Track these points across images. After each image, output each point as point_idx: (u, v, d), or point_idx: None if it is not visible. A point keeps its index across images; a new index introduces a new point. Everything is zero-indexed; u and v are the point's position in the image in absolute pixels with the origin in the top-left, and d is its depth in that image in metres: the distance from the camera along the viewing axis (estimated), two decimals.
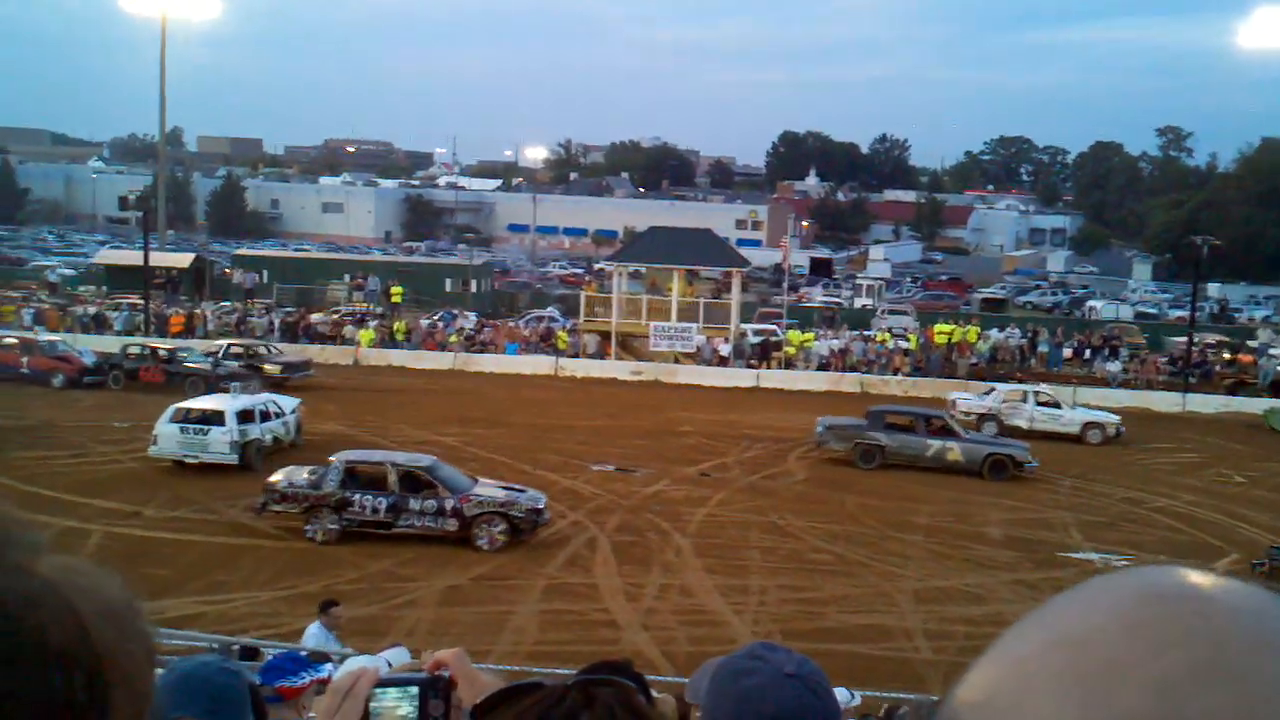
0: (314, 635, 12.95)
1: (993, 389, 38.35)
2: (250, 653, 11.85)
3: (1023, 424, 35.75)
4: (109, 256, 66.18)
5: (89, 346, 41.16)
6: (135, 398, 34.71)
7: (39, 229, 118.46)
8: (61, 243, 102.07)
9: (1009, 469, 29.98)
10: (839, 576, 21.47)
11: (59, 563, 0.77)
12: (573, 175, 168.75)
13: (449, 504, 22.25)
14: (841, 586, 20.90)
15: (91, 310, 51.82)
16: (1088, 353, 50.61)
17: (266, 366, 39.44)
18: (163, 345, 41.15)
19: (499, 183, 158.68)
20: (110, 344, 42.81)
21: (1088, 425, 35.98)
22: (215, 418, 27.60)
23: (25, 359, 38.30)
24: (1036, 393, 37.14)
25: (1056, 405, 36.51)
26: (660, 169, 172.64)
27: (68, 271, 68.96)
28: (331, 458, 23.50)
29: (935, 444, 30.43)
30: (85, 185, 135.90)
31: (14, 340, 39.92)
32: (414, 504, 22.31)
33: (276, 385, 36.31)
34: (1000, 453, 30.54)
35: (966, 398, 37.73)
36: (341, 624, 13.39)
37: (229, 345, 41.65)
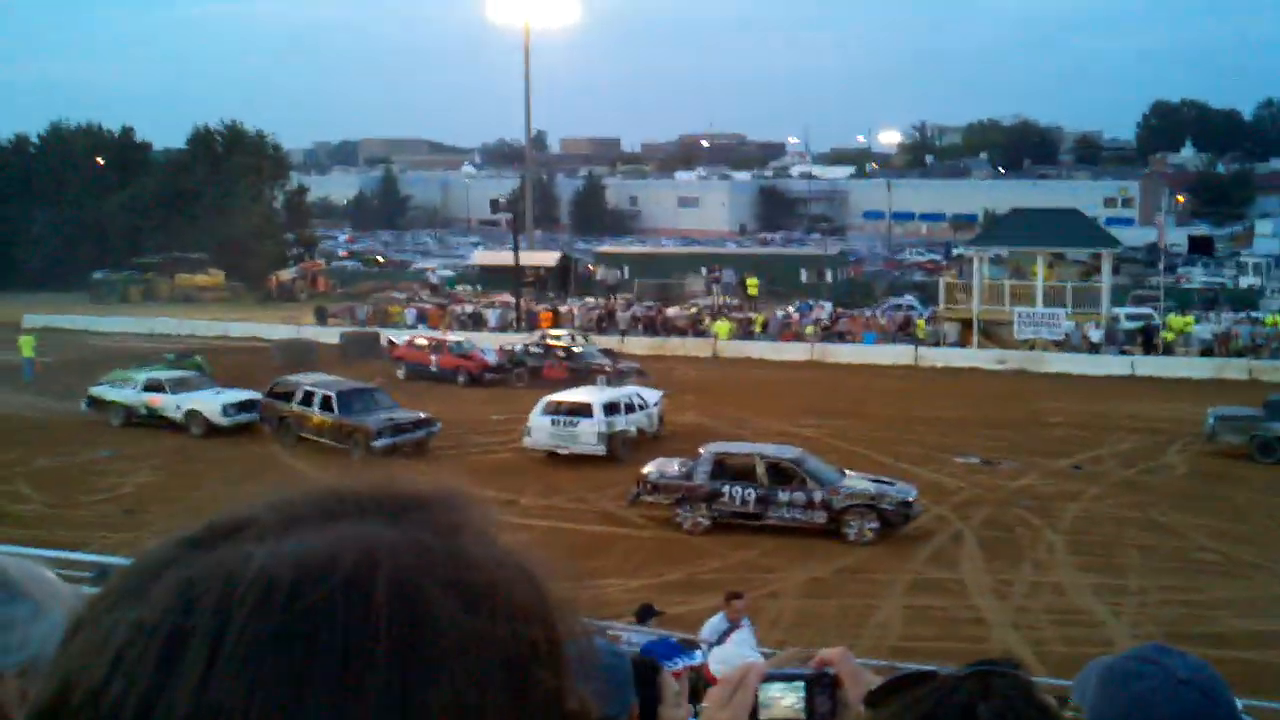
0: (715, 625, 13.14)
1: None
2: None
3: None
4: (483, 257, 70.29)
5: (491, 345, 42.99)
6: (513, 393, 36.33)
7: (419, 233, 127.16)
8: (440, 245, 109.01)
9: None
10: (1228, 578, 20.03)
11: (512, 540, 0.87)
12: (929, 159, 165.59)
13: (817, 496, 22.23)
14: (1232, 589, 19.49)
15: (469, 309, 55.02)
16: None
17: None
18: (562, 342, 42.52)
19: (852, 170, 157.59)
20: (511, 340, 44.99)
21: None
22: (584, 410, 28.69)
23: (434, 358, 40.42)
24: None
25: None
26: (1021, 148, 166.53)
27: (447, 273, 73.53)
28: (701, 450, 23.94)
29: None
30: (459, 190, 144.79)
31: (425, 341, 42.30)
32: (782, 496, 22.41)
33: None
34: None
35: None
36: (742, 614, 13.38)
37: (540, 336, 43.60)
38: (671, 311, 53.03)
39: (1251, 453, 28.17)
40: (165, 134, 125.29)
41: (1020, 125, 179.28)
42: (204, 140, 76.74)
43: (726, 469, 23.14)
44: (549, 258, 66.60)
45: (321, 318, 54.71)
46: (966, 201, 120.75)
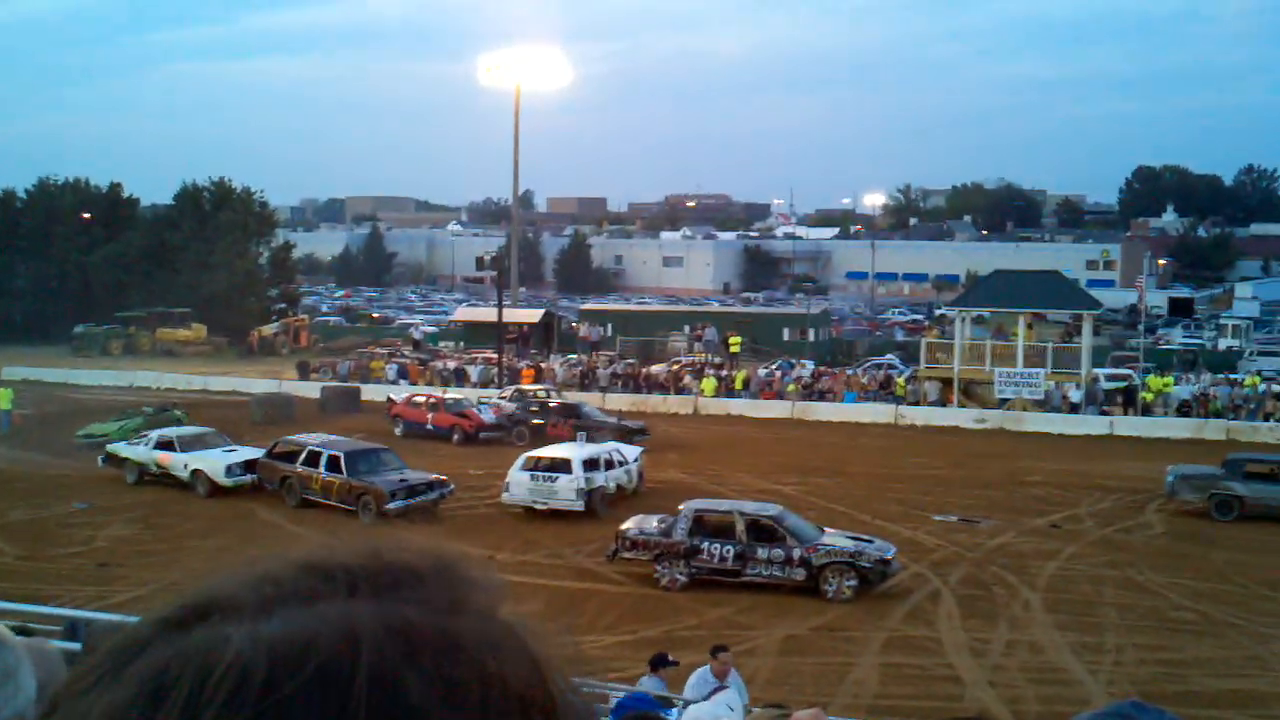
0: (700, 680, 13.02)
1: None
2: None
3: None
4: (466, 314, 70.27)
5: (489, 404, 42.13)
6: (508, 451, 36.04)
7: (404, 290, 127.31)
8: (424, 301, 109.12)
9: None
10: (1204, 637, 19.97)
11: (513, 610, 0.82)
12: (912, 220, 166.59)
13: (796, 553, 22.16)
14: (1207, 648, 19.42)
15: (451, 365, 55.00)
16: None
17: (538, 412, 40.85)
18: (562, 400, 42.54)
19: (836, 231, 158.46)
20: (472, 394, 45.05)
21: None
22: (563, 466, 28.63)
23: (431, 416, 39.96)
24: None
25: None
26: (1004, 210, 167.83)
27: (430, 329, 73.57)
28: (680, 506, 23.88)
29: None
30: (445, 247, 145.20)
31: (423, 399, 41.74)
32: (761, 553, 22.34)
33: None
34: None
35: None
36: (729, 667, 13.27)
37: (515, 391, 43.99)
38: (655, 368, 53.12)
39: (1210, 511, 28.35)
40: (153, 190, 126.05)
41: (1004, 188, 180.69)
42: (191, 196, 76.90)
43: (706, 526, 23.07)
44: (532, 314, 66.73)
45: (304, 372, 54.64)
46: (949, 263, 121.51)
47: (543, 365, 54.17)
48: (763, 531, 22.67)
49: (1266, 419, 42.38)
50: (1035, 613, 21.21)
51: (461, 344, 63.42)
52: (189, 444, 31.95)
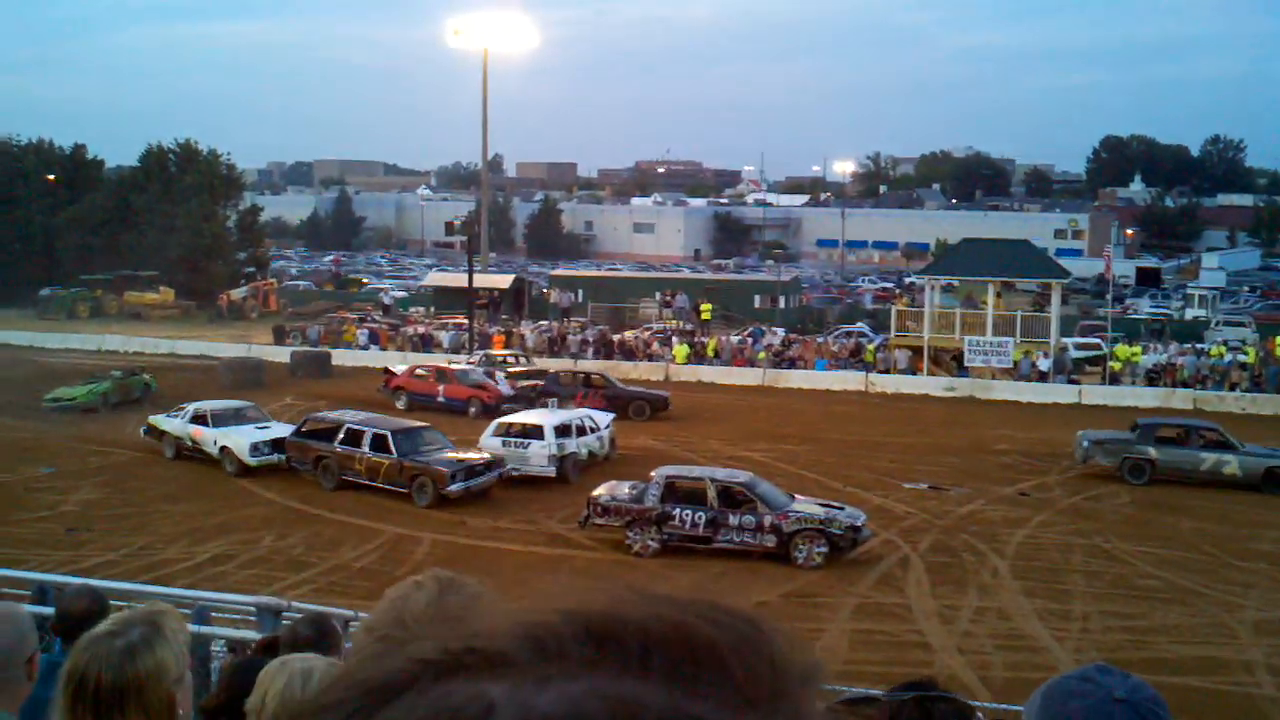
0: None
1: None
2: None
3: None
4: (436, 279, 69.91)
5: (504, 375, 39.95)
6: (470, 420, 35.98)
7: (373, 254, 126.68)
8: (393, 266, 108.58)
9: None
10: (1170, 605, 20.20)
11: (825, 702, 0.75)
12: (882, 188, 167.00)
13: (767, 520, 22.26)
14: (1173, 615, 19.65)
15: (420, 330, 54.80)
16: None
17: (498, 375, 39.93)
18: (593, 371, 41.43)
19: (807, 198, 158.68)
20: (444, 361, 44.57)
21: None
22: (535, 432, 28.63)
23: (441, 388, 37.74)
24: None
25: None
26: (973, 179, 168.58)
27: (400, 294, 73.19)
28: (652, 473, 23.92)
29: (1210, 457, 28.74)
30: (414, 212, 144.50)
31: (428, 370, 39.54)
32: (733, 519, 22.43)
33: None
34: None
35: None
36: None
37: (483, 356, 43.45)
38: (627, 335, 53.09)
39: (1123, 474, 29.01)
40: (118, 152, 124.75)
41: (973, 157, 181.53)
42: (157, 158, 76.06)
43: (677, 492, 23.13)
44: (503, 280, 66.48)
45: (279, 336, 54.30)
46: (919, 231, 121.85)
47: (513, 331, 54.05)
48: (734, 498, 22.75)
49: (1232, 388, 42.76)
50: (1004, 580, 21.39)
51: (431, 309, 63.16)
52: (222, 418, 30.14)
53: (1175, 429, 30.22)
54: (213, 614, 8.98)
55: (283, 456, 28.61)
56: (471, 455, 27.26)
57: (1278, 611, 19.90)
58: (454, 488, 25.70)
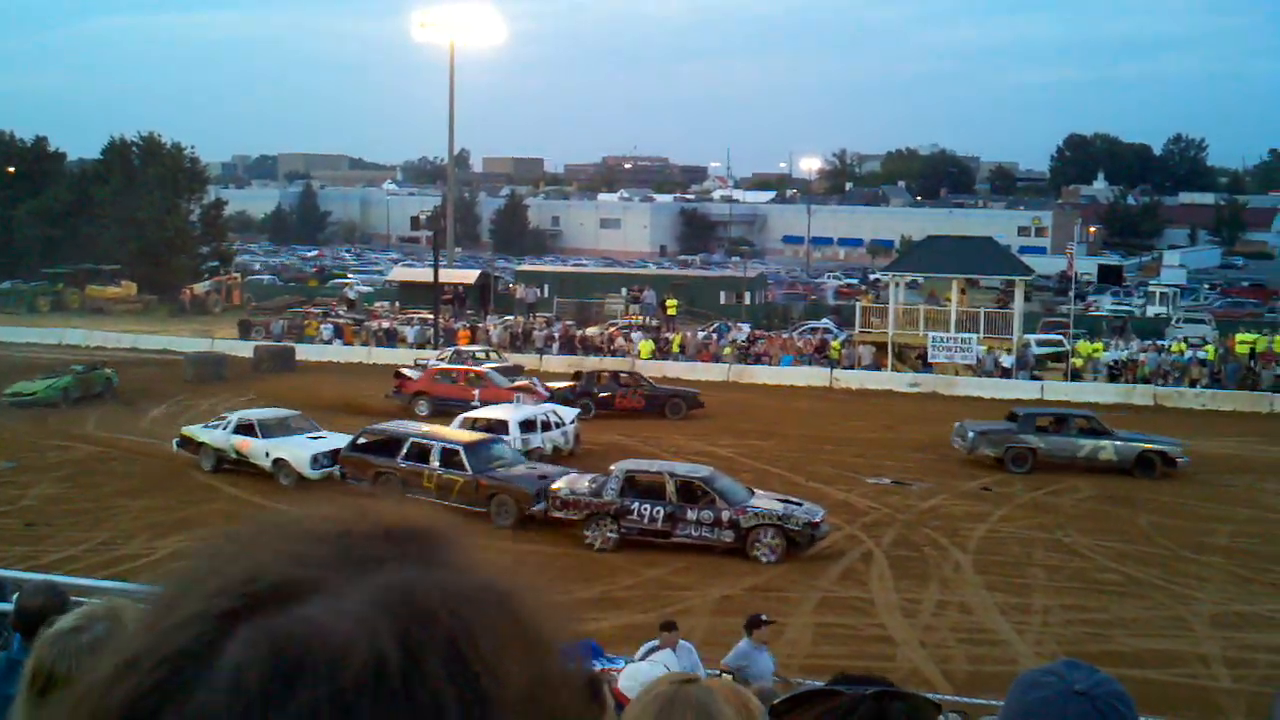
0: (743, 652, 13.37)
1: None
2: None
3: None
4: (401, 274, 69.64)
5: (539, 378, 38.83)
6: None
7: (338, 249, 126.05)
8: (358, 261, 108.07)
9: (1158, 466, 29.42)
10: (1128, 598, 20.42)
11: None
12: (848, 185, 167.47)
13: (725, 515, 22.33)
14: (1131, 608, 19.87)
15: (385, 325, 54.59)
16: None
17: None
18: (626, 369, 40.33)
19: (773, 195, 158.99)
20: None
21: None
22: (500, 427, 28.57)
23: (477, 392, 35.52)
24: None
25: None
26: (938, 176, 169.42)
27: (364, 288, 72.87)
28: (612, 467, 23.95)
29: (1087, 444, 29.93)
30: (380, 206, 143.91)
31: (456, 372, 37.75)
32: (691, 514, 22.48)
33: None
34: (1151, 449, 29.81)
35: None
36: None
37: (453, 353, 42.38)
38: (591, 330, 53.06)
39: (1007, 464, 29.79)
40: (80, 145, 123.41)
41: (938, 155, 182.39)
42: (119, 151, 75.37)
43: (636, 486, 23.17)
44: (468, 275, 66.25)
45: (244, 330, 53.98)
46: (884, 228, 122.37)
47: (478, 326, 53.94)
48: (693, 493, 22.82)
49: (1192, 385, 43.19)
50: (965, 574, 21.56)
51: (396, 304, 62.93)
52: (271, 429, 28.25)
53: (1051, 418, 31.38)
54: None
55: (338, 469, 26.64)
56: (543, 468, 25.70)
57: (1232, 605, 20.16)
58: (538, 508, 23.74)
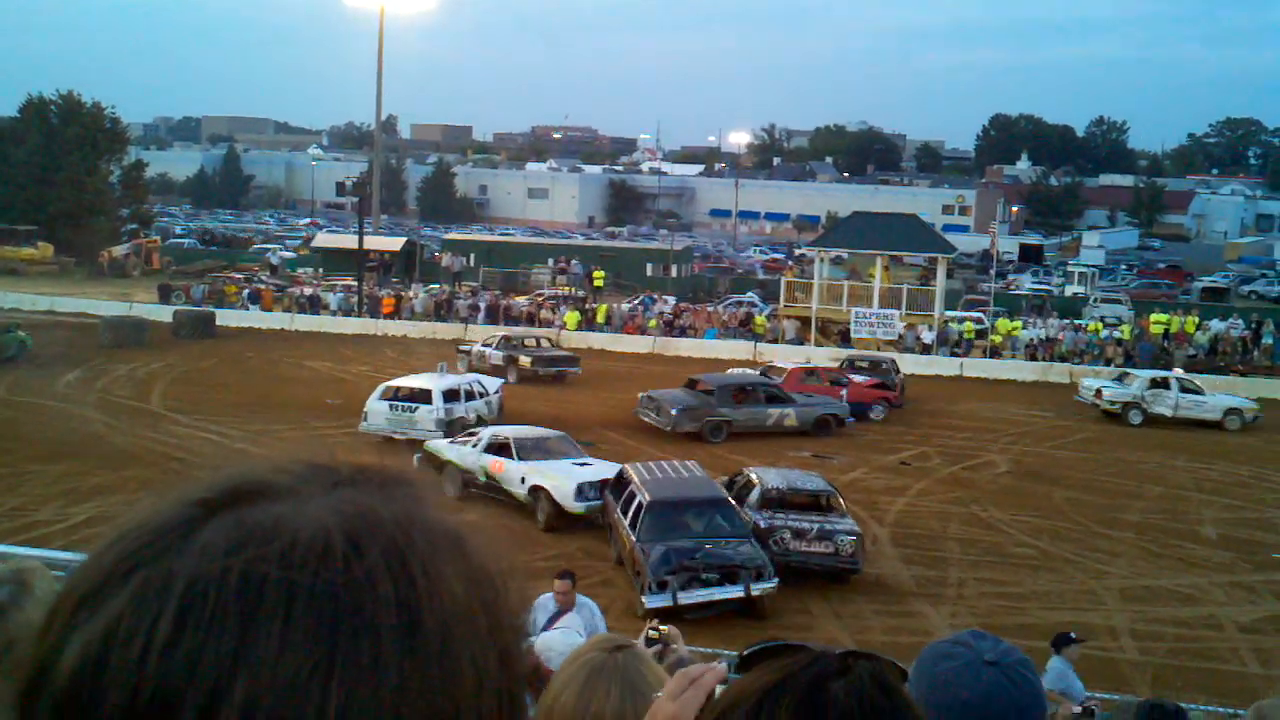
0: (543, 606, 12.44)
1: (1127, 374, 37.63)
2: None
3: (1166, 411, 35.24)
4: (325, 240, 68.88)
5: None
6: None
7: (261, 213, 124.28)
8: (282, 226, 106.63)
9: (832, 427, 31.50)
10: (1042, 572, 20.83)
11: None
12: (776, 160, 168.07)
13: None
14: (1044, 582, 20.28)
15: (308, 291, 54.01)
16: None
17: (522, 359, 38.04)
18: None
19: (701, 168, 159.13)
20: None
21: (1229, 411, 35.58)
22: (422, 396, 28.40)
23: (844, 392, 34.26)
24: (1180, 380, 36.53)
25: (1199, 391, 36.02)
26: (865, 153, 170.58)
27: (287, 254, 71.94)
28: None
29: (774, 411, 31.42)
30: (305, 172, 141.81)
31: (821, 373, 35.98)
32: None
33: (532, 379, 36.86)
34: (826, 414, 31.79)
35: (1110, 385, 36.49)
36: (571, 596, 12.79)
37: (501, 337, 40.03)
38: (518, 300, 52.89)
39: (706, 436, 30.35)
40: None
41: (865, 132, 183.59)
42: (37, 109, 73.50)
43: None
44: (394, 243, 65.74)
45: (165, 295, 53.10)
46: (811, 203, 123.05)
47: (403, 294, 53.54)
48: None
49: (1108, 363, 43.99)
50: (883, 547, 21.85)
51: (320, 270, 62.25)
52: (528, 450, 23.66)
53: (737, 388, 32.33)
54: None
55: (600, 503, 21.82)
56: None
57: (1142, 579, 20.66)
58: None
